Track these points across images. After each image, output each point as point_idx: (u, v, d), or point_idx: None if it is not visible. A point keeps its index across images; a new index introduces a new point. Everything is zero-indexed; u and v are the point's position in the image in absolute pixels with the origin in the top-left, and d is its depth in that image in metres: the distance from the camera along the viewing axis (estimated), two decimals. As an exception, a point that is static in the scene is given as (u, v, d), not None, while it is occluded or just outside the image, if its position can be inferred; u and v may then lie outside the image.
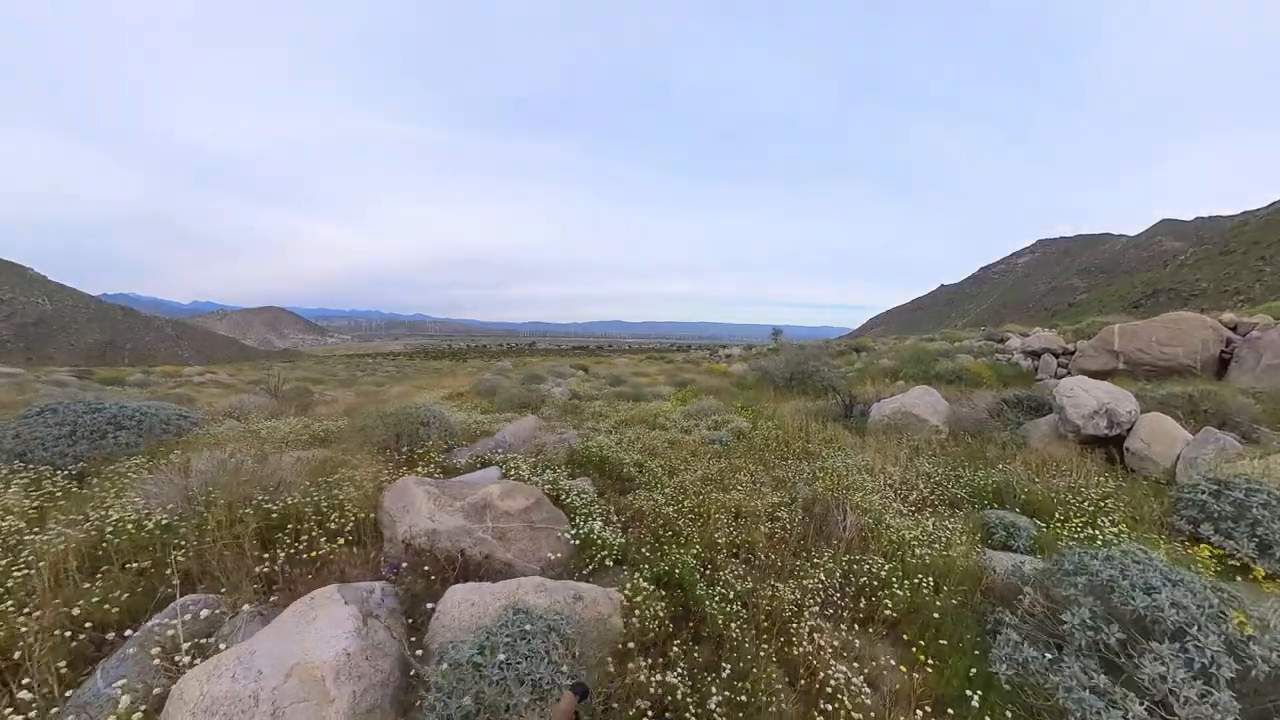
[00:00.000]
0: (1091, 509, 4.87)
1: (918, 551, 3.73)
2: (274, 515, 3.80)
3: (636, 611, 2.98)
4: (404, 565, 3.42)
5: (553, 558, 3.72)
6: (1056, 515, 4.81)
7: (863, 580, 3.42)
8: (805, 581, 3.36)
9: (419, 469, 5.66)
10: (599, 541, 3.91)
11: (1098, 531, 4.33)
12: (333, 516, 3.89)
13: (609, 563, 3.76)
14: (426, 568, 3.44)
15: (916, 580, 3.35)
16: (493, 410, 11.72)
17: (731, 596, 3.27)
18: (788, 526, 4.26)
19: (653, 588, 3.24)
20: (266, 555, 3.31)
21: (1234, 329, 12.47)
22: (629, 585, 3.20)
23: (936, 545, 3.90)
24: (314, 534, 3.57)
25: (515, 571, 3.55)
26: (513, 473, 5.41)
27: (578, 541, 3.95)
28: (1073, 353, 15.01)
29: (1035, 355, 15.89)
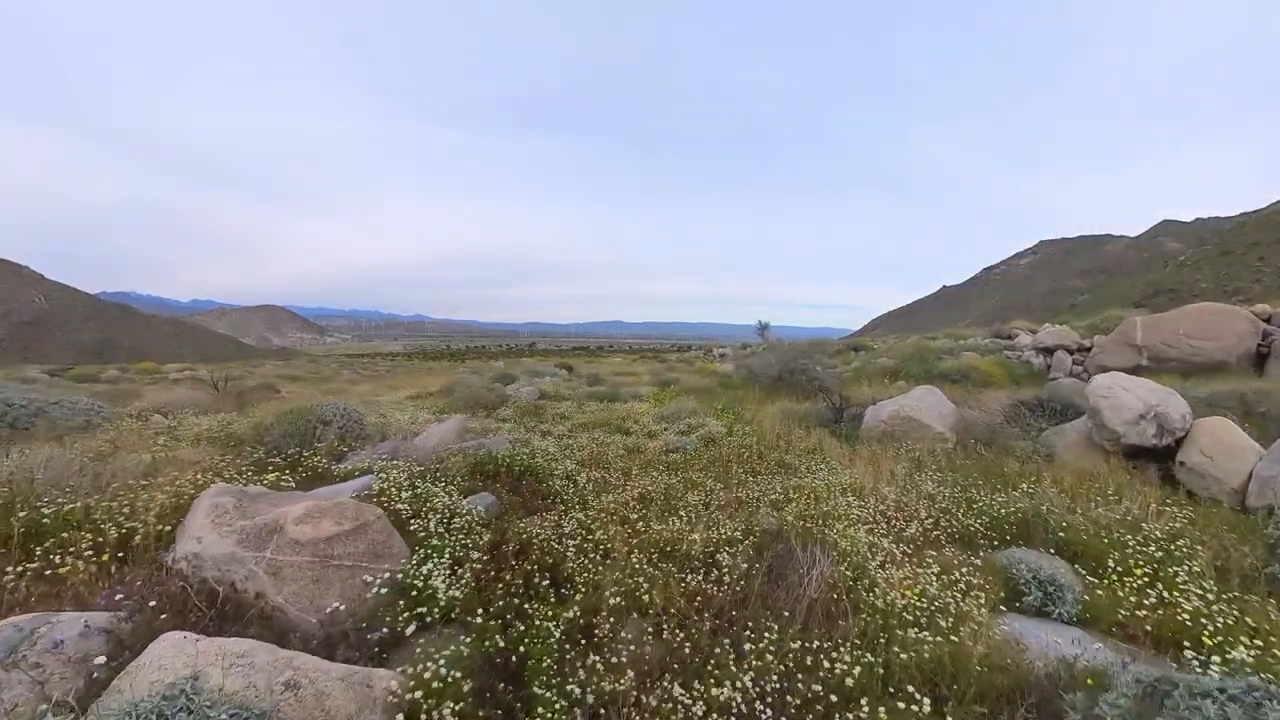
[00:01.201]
0: (1158, 553, 3.53)
1: (912, 635, 2.41)
2: (45, 520, 3.24)
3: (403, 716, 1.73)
4: (118, 596, 2.55)
5: (337, 608, 2.64)
6: (1110, 562, 3.48)
7: (815, 689, 2.09)
8: (718, 689, 2.05)
9: (270, 474, 4.48)
10: (418, 591, 2.72)
11: (1178, 595, 3.00)
12: (122, 526, 3.25)
13: (411, 628, 2.50)
14: (154, 603, 2.50)
15: (905, 697, 2.01)
16: (446, 411, 10.55)
17: (590, 700, 1.98)
18: (727, 579, 2.95)
19: (460, 675, 1.98)
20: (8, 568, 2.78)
21: (1268, 320, 11.53)
22: (414, 669, 2.00)
23: (942, 619, 2.58)
24: (79, 546, 3.00)
25: (288, 621, 2.67)
26: (384, 484, 4.16)
27: (385, 590, 2.73)
28: (1089, 349, 13.85)
29: (1048, 352, 14.64)
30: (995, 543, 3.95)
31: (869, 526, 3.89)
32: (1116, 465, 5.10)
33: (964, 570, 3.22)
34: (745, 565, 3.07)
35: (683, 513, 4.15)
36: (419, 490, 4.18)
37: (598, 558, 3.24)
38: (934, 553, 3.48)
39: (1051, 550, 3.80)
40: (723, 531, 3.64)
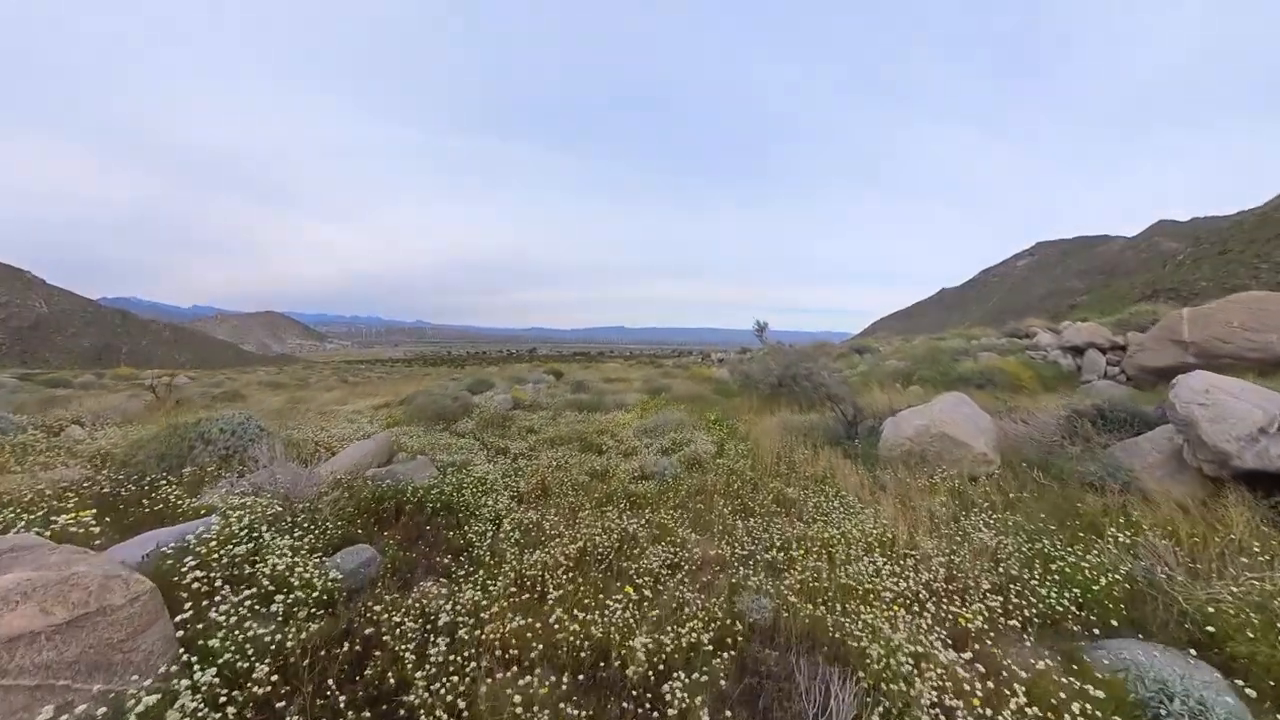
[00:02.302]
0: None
1: None
2: None
3: None
4: None
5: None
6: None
7: None
8: None
9: (71, 511, 3.20)
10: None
11: None
12: None
13: None
14: None
15: None
16: (402, 423, 9.30)
17: None
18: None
19: None
20: None
21: (1331, 307, 10.18)
22: None
23: None
24: None
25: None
26: (205, 531, 2.88)
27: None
28: (1123, 347, 12.48)
29: (1077, 351, 13.27)
30: (1095, 629, 2.64)
31: (908, 609, 2.58)
32: (1235, 499, 3.75)
33: (1075, 706, 1.90)
34: (710, 711, 1.77)
35: (632, 586, 2.85)
36: (258, 542, 2.91)
37: (467, 681, 1.95)
38: (1017, 665, 2.16)
39: (1190, 648, 2.48)
40: (685, 626, 2.33)
